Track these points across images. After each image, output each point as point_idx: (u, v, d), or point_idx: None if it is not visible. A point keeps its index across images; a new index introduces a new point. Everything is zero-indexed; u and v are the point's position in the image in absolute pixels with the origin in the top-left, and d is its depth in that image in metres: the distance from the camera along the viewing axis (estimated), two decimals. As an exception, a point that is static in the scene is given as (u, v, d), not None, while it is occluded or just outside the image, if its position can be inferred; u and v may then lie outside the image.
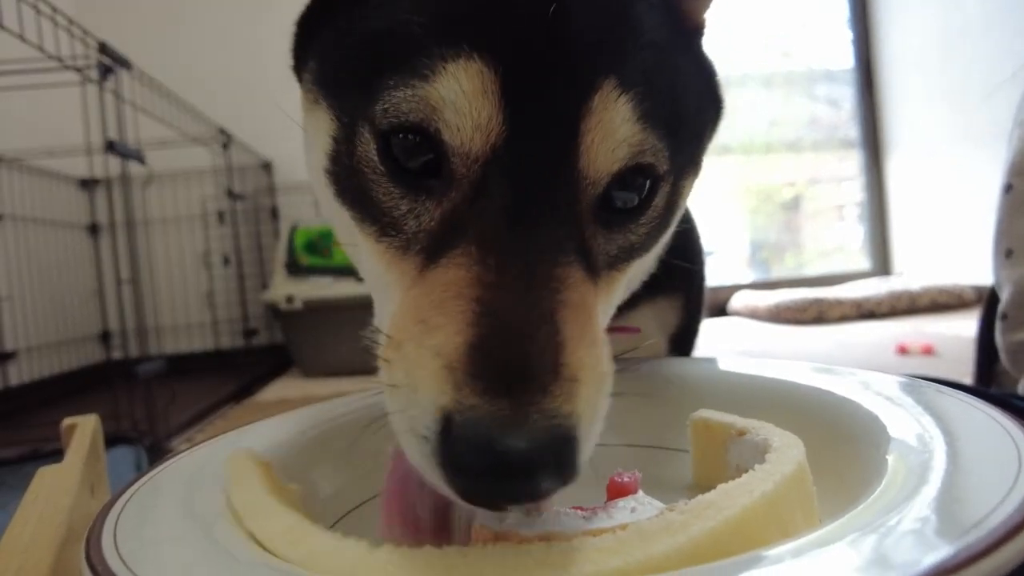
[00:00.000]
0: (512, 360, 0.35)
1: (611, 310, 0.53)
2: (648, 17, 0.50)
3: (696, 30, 0.59)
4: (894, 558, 0.30)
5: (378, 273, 0.48)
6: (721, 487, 0.38)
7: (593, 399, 0.37)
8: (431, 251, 0.44)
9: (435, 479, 0.36)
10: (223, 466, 0.47)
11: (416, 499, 0.41)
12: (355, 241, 0.52)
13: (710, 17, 0.59)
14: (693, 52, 0.58)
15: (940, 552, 0.29)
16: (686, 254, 0.72)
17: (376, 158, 0.46)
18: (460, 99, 0.42)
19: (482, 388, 0.34)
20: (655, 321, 0.78)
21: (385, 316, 0.47)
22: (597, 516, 0.39)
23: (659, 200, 0.51)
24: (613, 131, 0.44)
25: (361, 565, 0.34)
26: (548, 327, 0.37)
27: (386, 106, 0.44)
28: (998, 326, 1.12)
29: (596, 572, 0.32)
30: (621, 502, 0.41)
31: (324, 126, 0.51)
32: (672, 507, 0.37)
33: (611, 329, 0.57)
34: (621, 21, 0.48)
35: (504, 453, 0.32)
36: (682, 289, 0.79)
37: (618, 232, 0.49)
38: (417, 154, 0.45)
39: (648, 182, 0.49)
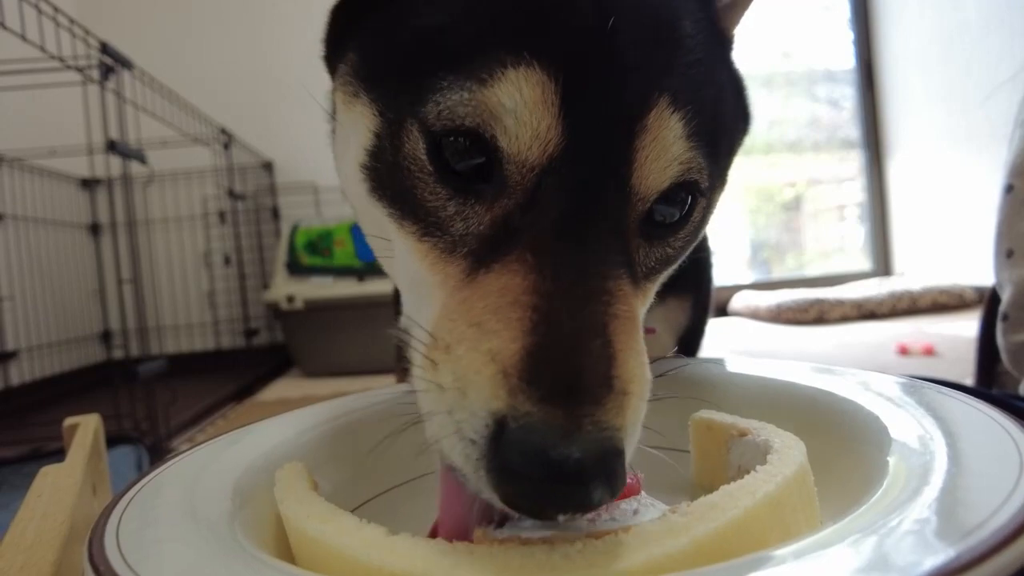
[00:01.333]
0: (568, 370, 0.35)
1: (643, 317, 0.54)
2: (695, 33, 0.50)
3: (730, 40, 0.60)
4: (895, 560, 0.30)
5: (418, 272, 0.48)
6: (723, 488, 0.38)
7: (638, 410, 0.38)
8: (480, 254, 0.43)
9: (479, 483, 0.36)
10: (275, 473, 0.49)
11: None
12: (386, 237, 0.52)
13: (739, 32, 0.60)
14: (729, 65, 0.58)
15: (941, 555, 0.29)
16: (696, 256, 0.73)
17: (424, 158, 0.45)
18: (520, 107, 0.42)
19: (538, 396, 0.34)
20: (664, 321, 0.79)
21: (422, 315, 0.47)
22: (600, 518, 0.39)
23: (697, 215, 0.51)
24: (666, 149, 0.45)
25: (377, 545, 0.37)
26: (601, 339, 0.38)
27: (440, 107, 0.43)
28: (999, 327, 1.13)
29: (599, 573, 0.32)
30: (624, 504, 0.41)
31: (365, 121, 0.50)
32: (674, 509, 0.37)
33: None
34: (672, 38, 0.48)
35: (557, 461, 0.32)
36: (692, 289, 0.80)
37: (658, 245, 0.49)
38: (468, 157, 0.44)
39: (690, 198, 0.49)
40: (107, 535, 0.38)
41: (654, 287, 0.52)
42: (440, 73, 0.43)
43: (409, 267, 0.49)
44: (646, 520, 0.37)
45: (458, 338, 0.39)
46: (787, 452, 0.44)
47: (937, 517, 0.34)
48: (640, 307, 0.46)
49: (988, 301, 1.24)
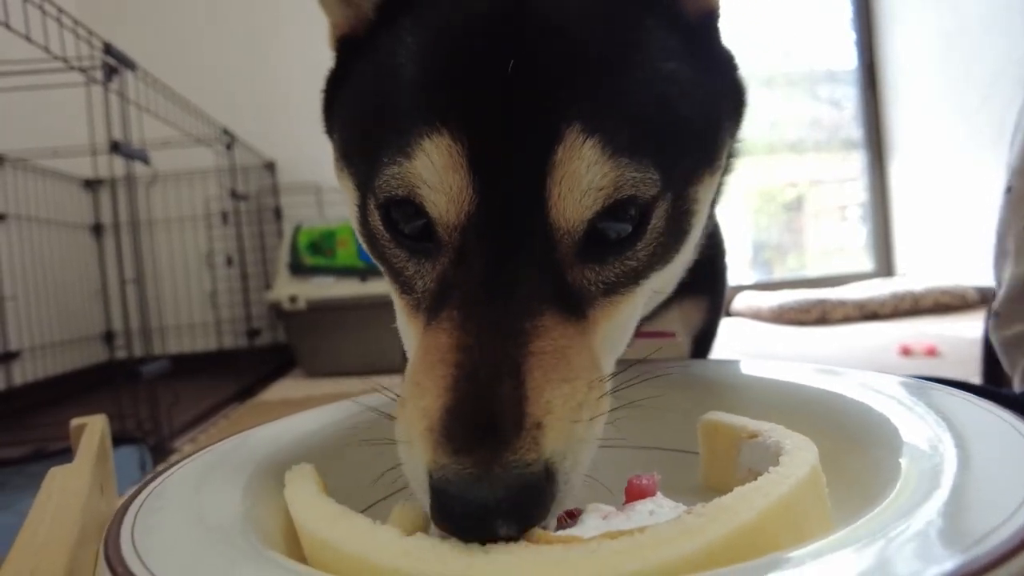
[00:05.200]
0: (478, 420, 0.40)
1: (624, 333, 0.54)
2: (630, 31, 0.50)
3: (708, 16, 0.57)
4: (898, 568, 0.30)
5: (404, 324, 0.53)
6: (737, 490, 0.38)
7: (566, 434, 0.41)
8: (431, 311, 0.47)
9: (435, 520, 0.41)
10: (285, 475, 0.50)
11: None
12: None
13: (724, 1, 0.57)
14: (697, 47, 0.55)
15: (945, 564, 0.29)
16: (711, 255, 0.73)
17: (382, 227, 0.51)
18: (433, 175, 0.45)
19: (452, 449, 0.39)
20: (680, 322, 0.79)
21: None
22: (616, 518, 0.39)
23: (657, 221, 0.50)
24: (579, 180, 0.45)
25: (390, 547, 0.37)
26: (513, 381, 0.41)
27: (382, 182, 0.48)
28: (991, 324, 1.13)
29: (615, 574, 0.32)
30: (639, 504, 0.41)
31: (350, 194, 0.56)
32: (690, 510, 0.37)
33: (647, 334, 0.58)
34: (589, 55, 0.48)
35: (469, 505, 0.37)
36: (707, 290, 0.80)
37: (615, 261, 0.49)
38: (412, 221, 0.49)
39: (638, 210, 0.49)
40: (123, 536, 0.38)
41: (631, 297, 0.51)
42: (383, 150, 0.48)
43: (400, 319, 0.55)
44: (661, 521, 0.37)
45: (408, 394, 0.44)
46: (799, 454, 0.44)
47: (943, 524, 0.33)
48: (588, 330, 0.47)
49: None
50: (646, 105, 0.48)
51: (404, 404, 0.44)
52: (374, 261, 0.57)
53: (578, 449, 0.42)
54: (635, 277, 0.50)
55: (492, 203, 0.45)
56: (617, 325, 0.52)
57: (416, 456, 0.41)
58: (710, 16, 0.58)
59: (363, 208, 0.53)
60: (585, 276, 0.48)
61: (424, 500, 0.41)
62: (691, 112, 0.53)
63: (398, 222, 0.50)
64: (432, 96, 0.47)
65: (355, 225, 0.57)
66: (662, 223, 0.51)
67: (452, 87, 0.47)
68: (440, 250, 0.48)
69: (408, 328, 0.52)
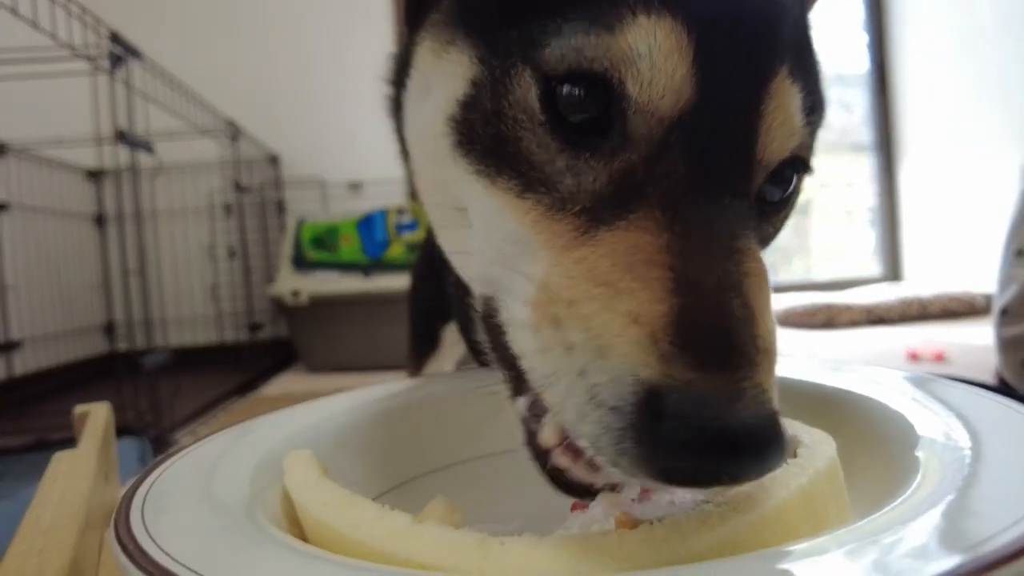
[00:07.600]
0: (718, 333, 0.34)
1: None
2: (800, 11, 0.48)
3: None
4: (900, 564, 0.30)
5: (515, 232, 0.44)
6: (756, 480, 0.37)
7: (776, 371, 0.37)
8: (596, 212, 0.40)
9: (617, 456, 0.34)
10: (283, 460, 0.47)
11: None
12: (460, 205, 0.49)
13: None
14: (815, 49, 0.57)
15: (954, 559, 0.28)
16: None
17: (536, 106, 0.42)
18: (656, 53, 0.39)
19: (694, 362, 0.32)
20: None
21: (517, 281, 0.43)
22: (635, 508, 0.38)
23: (795, 197, 0.49)
24: (790, 118, 0.43)
25: (402, 537, 0.35)
26: (741, 298, 0.36)
27: (564, 51, 0.41)
28: (997, 321, 1.13)
29: (633, 564, 0.32)
30: (655, 495, 0.40)
31: (460, 69, 0.47)
32: (708, 499, 0.36)
33: None
34: (786, 11, 0.46)
35: (731, 431, 0.31)
36: None
37: (765, 223, 0.48)
38: (584, 109, 0.42)
39: (794, 177, 0.48)
40: (133, 518, 0.38)
41: None
42: (559, 18, 0.41)
43: (501, 229, 0.45)
44: (681, 511, 0.36)
45: (584, 296, 0.37)
46: (817, 447, 0.43)
47: (954, 520, 0.33)
48: None
49: None
50: (813, 82, 0.47)
51: (575, 303, 0.37)
52: (453, 156, 0.47)
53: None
54: (763, 247, 0.48)
55: (707, 107, 0.40)
56: None
57: (621, 367, 0.33)
58: None
59: (491, 85, 0.44)
60: (754, 222, 0.45)
61: (605, 427, 0.33)
62: (822, 105, 0.51)
63: (562, 105, 0.42)
64: None
65: (449, 109, 0.47)
66: (796, 200, 0.50)
67: None
68: (624, 145, 0.41)
69: (532, 233, 0.43)
